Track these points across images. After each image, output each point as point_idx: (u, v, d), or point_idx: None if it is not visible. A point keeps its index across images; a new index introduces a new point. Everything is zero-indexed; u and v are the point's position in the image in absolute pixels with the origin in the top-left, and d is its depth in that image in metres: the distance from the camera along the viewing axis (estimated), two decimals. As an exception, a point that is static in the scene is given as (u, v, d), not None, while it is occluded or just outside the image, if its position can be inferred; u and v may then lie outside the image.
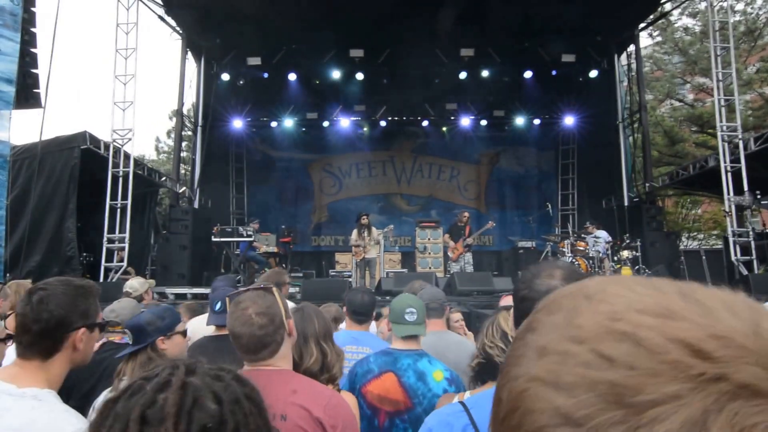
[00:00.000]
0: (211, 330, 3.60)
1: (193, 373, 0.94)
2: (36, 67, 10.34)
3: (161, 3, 13.90)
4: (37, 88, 10.43)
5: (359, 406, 2.83)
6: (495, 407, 0.48)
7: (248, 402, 0.95)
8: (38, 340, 1.78)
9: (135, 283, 5.28)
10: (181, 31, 15.32)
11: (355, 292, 3.85)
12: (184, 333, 3.00)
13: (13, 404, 1.64)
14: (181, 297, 11.08)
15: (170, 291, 11.30)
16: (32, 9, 9.84)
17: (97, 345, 3.57)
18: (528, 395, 0.43)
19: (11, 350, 2.59)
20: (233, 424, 0.90)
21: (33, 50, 10.14)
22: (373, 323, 4.40)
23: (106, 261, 11.49)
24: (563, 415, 0.39)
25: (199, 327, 3.86)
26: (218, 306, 3.47)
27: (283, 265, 13.25)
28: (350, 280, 12.42)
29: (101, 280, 11.20)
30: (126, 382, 0.97)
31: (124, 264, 11.49)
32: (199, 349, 3.24)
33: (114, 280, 11.00)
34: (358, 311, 3.71)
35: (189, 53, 15.80)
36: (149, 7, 13.75)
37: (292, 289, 8.16)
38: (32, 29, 9.96)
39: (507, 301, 4.79)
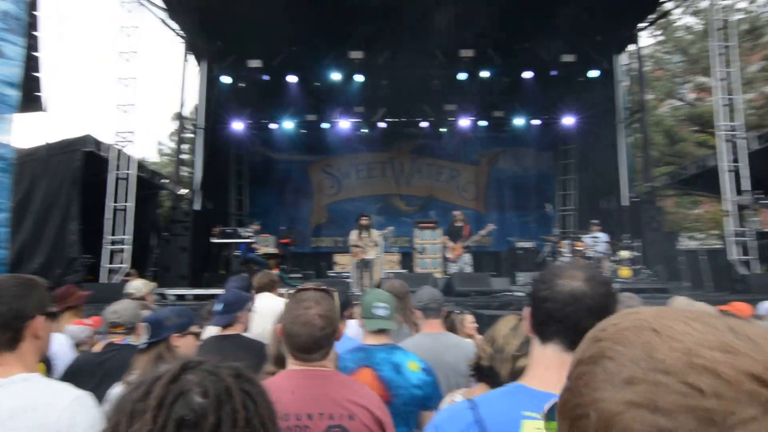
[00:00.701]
0: (216, 330, 3.65)
1: (190, 369, 0.96)
2: (39, 71, 10.39)
3: (163, 6, 13.97)
4: (40, 91, 10.49)
5: None
6: (577, 421, 0.59)
7: (243, 396, 0.96)
8: None
9: (138, 284, 5.35)
10: (182, 34, 15.40)
11: None
12: (197, 335, 3.08)
13: (5, 392, 1.72)
14: (182, 298, 11.16)
15: (171, 292, 11.38)
16: (35, 13, 9.89)
17: (99, 346, 3.64)
18: (625, 417, 0.53)
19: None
20: (215, 418, 0.91)
21: (36, 54, 10.19)
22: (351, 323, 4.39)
23: (108, 262, 11.57)
24: None
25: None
26: (219, 307, 3.51)
27: (283, 267, 13.32)
28: (349, 281, 12.48)
29: (103, 281, 11.28)
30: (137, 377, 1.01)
31: (126, 265, 11.55)
32: (206, 349, 3.29)
33: (116, 281, 11.07)
34: None
35: (190, 56, 15.88)
36: (151, 11, 13.81)
37: (291, 290, 8.18)
38: (35, 33, 10.01)
39: None
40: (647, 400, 0.52)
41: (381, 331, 3.02)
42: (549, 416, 0.80)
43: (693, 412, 0.50)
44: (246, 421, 0.94)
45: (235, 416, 0.93)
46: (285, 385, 1.96)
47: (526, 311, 1.60)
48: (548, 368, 1.48)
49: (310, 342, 2.00)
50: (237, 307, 3.62)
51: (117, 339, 3.59)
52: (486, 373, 2.12)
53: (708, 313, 0.60)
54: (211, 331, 4.10)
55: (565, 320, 1.47)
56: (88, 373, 3.27)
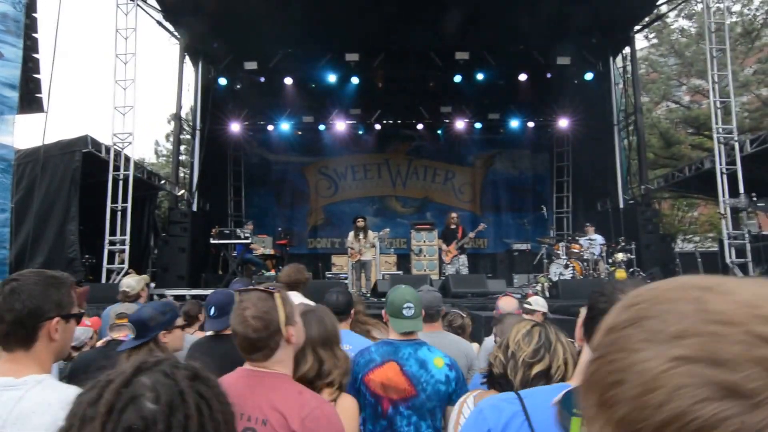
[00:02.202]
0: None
1: (144, 371, 0.95)
2: (38, 72, 10.40)
3: (160, 8, 14.01)
4: (39, 92, 10.50)
5: (362, 394, 2.90)
6: (609, 390, 0.52)
7: (198, 400, 0.94)
8: (12, 329, 1.80)
9: (131, 282, 5.32)
10: (179, 36, 15.42)
11: (331, 293, 3.88)
12: (183, 327, 3.10)
13: (19, 394, 1.70)
14: (180, 298, 11.17)
15: (169, 293, 11.39)
16: (34, 15, 9.91)
17: (101, 342, 3.65)
18: (675, 373, 0.46)
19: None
20: (164, 425, 0.89)
21: (35, 55, 10.20)
22: None
23: (108, 263, 11.59)
24: (728, 387, 0.44)
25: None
26: (212, 311, 3.49)
27: (280, 267, 13.32)
28: (346, 282, 12.51)
29: (103, 281, 11.30)
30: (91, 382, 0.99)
31: (125, 266, 11.57)
32: (199, 348, 3.31)
33: (117, 281, 11.09)
34: (334, 311, 3.77)
35: (187, 58, 15.89)
36: (148, 13, 13.85)
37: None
38: (34, 35, 10.02)
39: (506, 302, 4.83)
40: (704, 353, 0.46)
41: (408, 333, 3.04)
42: (564, 404, 0.75)
43: (761, 362, 0.44)
44: (199, 425, 0.93)
45: (187, 422, 0.91)
46: (225, 382, 1.92)
47: (580, 321, 1.66)
48: None
49: (245, 342, 2.02)
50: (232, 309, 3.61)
51: (120, 335, 3.59)
52: (498, 381, 2.11)
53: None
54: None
55: None
56: (91, 371, 3.28)
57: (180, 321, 3.07)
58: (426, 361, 2.92)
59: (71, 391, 1.77)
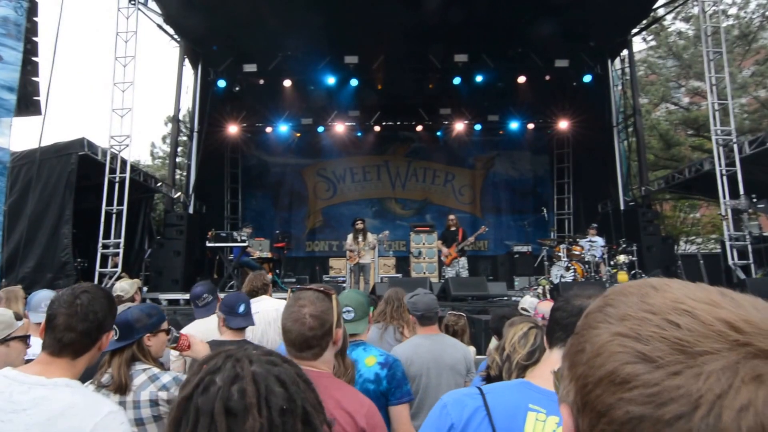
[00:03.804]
0: (214, 334, 3.62)
1: (252, 362, 1.02)
2: (37, 75, 10.34)
3: (160, 12, 13.97)
4: (37, 95, 10.43)
5: None
6: (575, 356, 0.69)
7: (301, 380, 1.05)
8: (79, 338, 1.92)
9: (125, 285, 5.26)
10: (179, 39, 15.39)
11: None
12: (167, 331, 3.04)
13: (47, 393, 1.76)
14: (174, 302, 11.13)
15: (163, 297, 11.35)
16: (35, 18, 9.86)
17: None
18: (613, 344, 0.63)
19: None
20: (300, 401, 1.01)
21: (34, 59, 10.14)
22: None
23: (101, 266, 11.47)
24: (642, 355, 0.60)
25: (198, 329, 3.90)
26: (242, 308, 3.55)
27: (277, 271, 13.25)
28: (344, 285, 12.44)
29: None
30: (188, 377, 1.05)
31: (119, 269, 11.47)
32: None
33: (108, 285, 11.01)
34: None
35: (186, 60, 15.85)
36: (148, 16, 13.83)
37: (285, 294, 8.13)
38: (34, 38, 9.97)
39: (546, 306, 4.73)
40: (632, 331, 0.63)
41: (350, 335, 3.02)
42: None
43: (667, 340, 0.60)
44: (314, 401, 1.06)
45: (306, 397, 1.04)
46: None
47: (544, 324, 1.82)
48: (552, 369, 1.54)
49: (299, 339, 2.03)
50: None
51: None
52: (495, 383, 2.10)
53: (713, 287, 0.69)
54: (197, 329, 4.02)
55: (568, 328, 1.66)
56: (94, 371, 3.23)
57: (165, 324, 3.01)
58: (357, 360, 2.91)
59: (98, 400, 1.89)
